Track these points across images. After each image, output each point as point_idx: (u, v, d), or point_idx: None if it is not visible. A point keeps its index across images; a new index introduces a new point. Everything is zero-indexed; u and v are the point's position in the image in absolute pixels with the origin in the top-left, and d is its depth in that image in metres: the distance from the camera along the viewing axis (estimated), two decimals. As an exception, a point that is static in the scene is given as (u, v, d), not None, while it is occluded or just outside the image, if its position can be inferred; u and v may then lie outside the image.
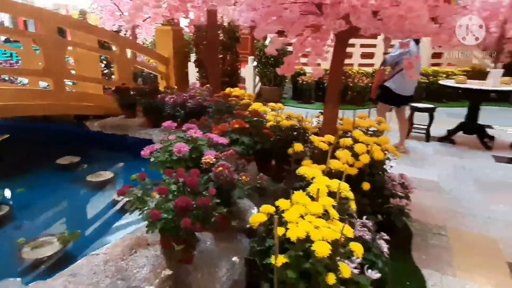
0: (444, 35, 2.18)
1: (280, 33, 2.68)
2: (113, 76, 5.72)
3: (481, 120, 4.97)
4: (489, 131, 5.08)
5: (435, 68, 8.48)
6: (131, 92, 3.88)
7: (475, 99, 4.87)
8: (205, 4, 2.69)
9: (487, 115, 6.02)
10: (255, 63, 7.72)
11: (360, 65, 8.45)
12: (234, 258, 1.55)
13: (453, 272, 2.18)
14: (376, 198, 2.45)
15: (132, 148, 2.76)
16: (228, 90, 3.82)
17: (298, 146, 2.48)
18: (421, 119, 5.04)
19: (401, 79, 4.09)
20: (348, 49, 9.26)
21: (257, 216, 1.58)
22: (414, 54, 3.93)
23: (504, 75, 5.37)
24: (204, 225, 1.35)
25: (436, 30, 2.16)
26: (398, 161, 3.95)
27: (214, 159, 1.58)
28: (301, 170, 2.00)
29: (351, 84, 7.43)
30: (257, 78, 7.99)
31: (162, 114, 3.37)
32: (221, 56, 5.92)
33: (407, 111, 4.55)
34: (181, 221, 1.25)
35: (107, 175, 3.26)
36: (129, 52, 5.54)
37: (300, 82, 7.74)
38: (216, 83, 4.20)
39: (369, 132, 2.84)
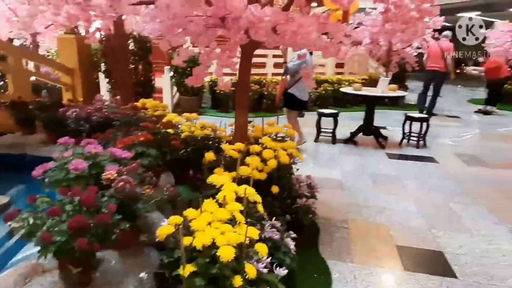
0: (333, 49, 2.45)
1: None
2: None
3: (377, 122, 5.64)
4: (383, 131, 5.80)
5: (339, 76, 9.36)
6: (29, 106, 3.54)
7: (370, 104, 5.52)
8: (102, 14, 2.60)
9: (381, 117, 6.86)
10: (171, 73, 7.61)
11: (274, 74, 8.90)
12: (142, 274, 1.53)
13: (352, 259, 2.44)
14: (286, 199, 2.63)
15: (32, 168, 2.53)
16: (141, 101, 3.73)
17: (209, 155, 2.54)
18: (328, 124, 5.52)
19: (302, 86, 4.50)
20: (262, 60, 9.60)
21: (164, 228, 1.58)
22: (310, 64, 4.36)
23: (393, 83, 6.19)
24: (104, 244, 1.32)
25: (325, 44, 2.42)
26: (308, 162, 4.29)
27: (115, 174, 1.54)
28: (210, 179, 2.06)
29: (265, 93, 7.79)
30: (175, 88, 7.88)
31: (66, 129, 3.14)
32: (133, 66, 5.75)
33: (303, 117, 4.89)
34: (76, 242, 1.20)
35: (2, 200, 2.91)
36: (32, 63, 5.04)
37: (218, 91, 7.85)
38: (126, 95, 4.05)
39: (278, 138, 3.03)
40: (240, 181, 2.28)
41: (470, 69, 8.58)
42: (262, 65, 8.93)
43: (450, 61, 7.46)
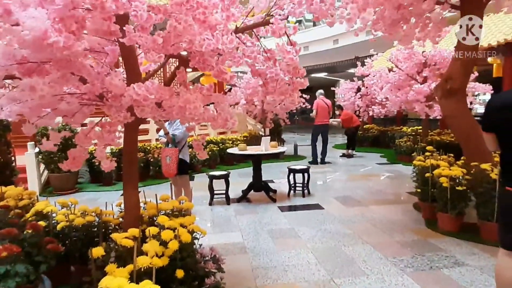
0: (221, 120, 2.51)
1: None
2: None
3: (264, 177, 5.93)
4: (272, 185, 6.12)
5: (222, 136, 9.74)
6: None
7: (256, 161, 5.82)
8: None
9: (267, 171, 7.29)
10: (37, 149, 6.63)
11: (157, 139, 8.68)
12: None
13: (270, 332, 2.33)
14: (193, 281, 2.41)
15: None
16: (-2, 191, 3.08)
17: (98, 251, 2.18)
18: (220, 184, 5.53)
19: (186, 150, 4.72)
20: (144, 126, 9.30)
21: None
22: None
23: (271, 138, 6.74)
24: None
25: (213, 116, 2.47)
26: (207, 229, 4.14)
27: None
28: (103, 284, 1.73)
29: (151, 160, 7.45)
30: (43, 166, 6.84)
31: None
32: (-17, 148, 4.80)
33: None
34: None
35: None
36: None
37: (97, 163, 7.14)
38: (-25, 186, 3.29)
39: (175, 213, 2.85)
40: (139, 275, 2.01)
41: (331, 120, 10.11)
42: (145, 131, 8.64)
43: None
